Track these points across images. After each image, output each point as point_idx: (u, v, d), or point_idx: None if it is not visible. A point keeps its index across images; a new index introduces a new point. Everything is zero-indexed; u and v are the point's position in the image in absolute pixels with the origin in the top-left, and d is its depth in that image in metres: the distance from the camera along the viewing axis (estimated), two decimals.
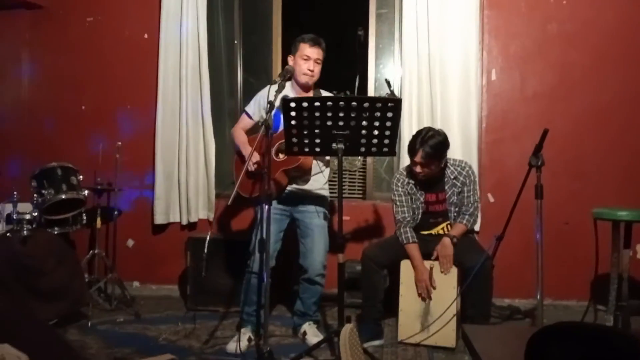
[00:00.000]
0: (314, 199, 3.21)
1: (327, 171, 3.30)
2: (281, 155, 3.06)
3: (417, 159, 3.11)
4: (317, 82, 3.26)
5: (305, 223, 3.20)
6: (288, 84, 3.17)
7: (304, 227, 3.21)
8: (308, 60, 3.13)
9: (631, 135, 3.95)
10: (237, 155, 3.31)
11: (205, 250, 3.61)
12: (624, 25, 3.96)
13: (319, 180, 3.24)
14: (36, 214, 3.45)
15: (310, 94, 3.23)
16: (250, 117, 3.31)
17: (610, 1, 3.99)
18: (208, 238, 3.44)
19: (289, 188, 3.17)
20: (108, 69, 4.48)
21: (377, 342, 3.17)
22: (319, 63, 3.17)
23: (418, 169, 3.14)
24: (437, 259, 3.13)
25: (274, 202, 3.12)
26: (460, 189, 3.24)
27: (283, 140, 2.92)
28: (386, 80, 3.08)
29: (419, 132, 3.17)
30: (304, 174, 3.16)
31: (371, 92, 4.26)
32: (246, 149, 3.19)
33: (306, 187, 3.19)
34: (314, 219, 3.19)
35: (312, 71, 3.13)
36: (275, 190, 3.06)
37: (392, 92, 2.89)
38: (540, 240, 2.85)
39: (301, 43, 3.16)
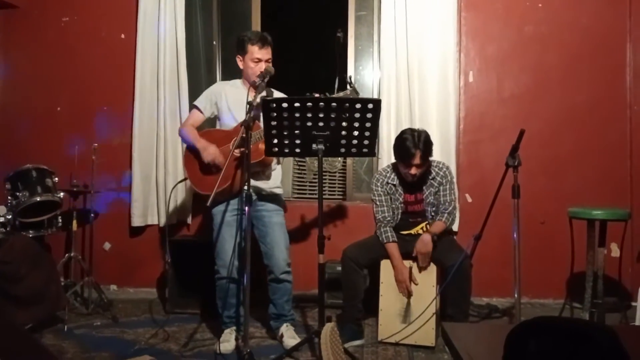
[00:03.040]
0: (271, 197, 3.22)
1: (279, 169, 3.31)
2: (237, 152, 2.98)
3: (416, 161, 3.10)
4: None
5: (263, 222, 3.19)
6: (239, 82, 3.14)
7: (262, 227, 3.19)
8: (259, 62, 3.10)
9: (605, 135, 4.03)
10: (188, 151, 3.24)
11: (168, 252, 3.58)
12: (598, 27, 4.05)
13: (275, 178, 3.25)
14: (10, 216, 3.39)
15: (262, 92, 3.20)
16: (201, 112, 3.26)
17: (584, 4, 4.07)
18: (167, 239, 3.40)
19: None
20: (84, 70, 4.41)
21: (357, 342, 3.17)
22: (270, 62, 3.14)
23: (413, 170, 3.14)
24: (416, 257, 3.15)
25: (232, 203, 3.12)
26: (437, 189, 3.27)
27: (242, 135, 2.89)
28: (349, 77, 3.10)
29: (404, 137, 3.14)
30: (264, 169, 3.16)
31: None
32: (199, 143, 3.13)
33: (263, 185, 3.19)
34: (274, 217, 3.20)
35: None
36: (236, 188, 3.05)
37: (354, 88, 2.90)
38: (517, 240, 2.89)
39: (249, 45, 3.12)
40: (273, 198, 3.23)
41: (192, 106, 3.35)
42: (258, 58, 3.10)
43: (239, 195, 3.11)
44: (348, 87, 2.97)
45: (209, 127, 3.47)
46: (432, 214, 3.29)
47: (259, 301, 3.73)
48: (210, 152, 3.08)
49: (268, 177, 3.20)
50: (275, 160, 3.22)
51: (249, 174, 2.73)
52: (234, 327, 3.15)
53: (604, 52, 4.05)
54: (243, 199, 2.72)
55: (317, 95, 2.84)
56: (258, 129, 2.97)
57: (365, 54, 4.44)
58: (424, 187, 3.28)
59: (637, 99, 4.01)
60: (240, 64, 3.18)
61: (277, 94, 3.23)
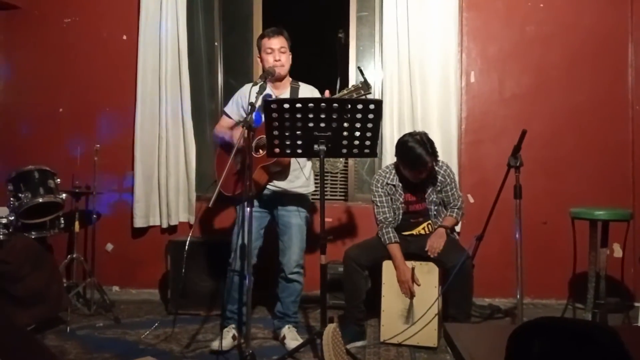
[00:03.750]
0: (294, 198, 3.21)
1: (308, 167, 3.28)
2: (260, 151, 3.03)
3: (429, 165, 3.12)
4: (296, 75, 3.27)
5: (283, 221, 3.20)
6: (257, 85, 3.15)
7: (282, 226, 3.21)
8: (272, 52, 3.12)
9: (607, 135, 4.03)
10: (220, 148, 3.29)
11: (185, 254, 3.59)
12: (599, 27, 4.04)
13: (299, 178, 3.23)
14: (12, 218, 3.39)
15: (287, 84, 3.22)
16: (229, 116, 3.30)
17: (586, 4, 4.06)
18: (188, 240, 3.40)
19: (269, 187, 3.16)
20: (86, 71, 4.42)
21: (359, 343, 3.17)
22: (284, 51, 3.15)
23: (424, 175, 3.16)
24: (426, 253, 3.14)
25: (255, 203, 3.12)
26: (439, 188, 3.27)
27: (262, 136, 2.91)
28: (359, 68, 3.08)
29: (410, 146, 3.09)
30: (284, 170, 3.15)
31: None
32: (231, 132, 3.19)
33: (286, 186, 3.18)
34: (292, 218, 3.19)
35: (278, 60, 3.11)
36: (255, 188, 3.04)
37: (365, 80, 2.89)
38: (519, 240, 2.88)
39: (262, 39, 3.17)
40: (296, 198, 3.21)
41: (222, 112, 3.40)
42: (270, 48, 3.12)
43: (262, 195, 3.14)
44: (361, 76, 2.97)
45: None
46: (435, 212, 3.29)
47: (263, 301, 3.74)
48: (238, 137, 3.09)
49: (286, 177, 3.17)
50: (300, 159, 3.18)
51: (250, 174, 2.73)
52: (233, 325, 3.16)
53: (605, 53, 4.04)
54: (245, 202, 2.72)
55: (328, 93, 2.85)
56: None
57: (367, 54, 4.44)
58: (426, 187, 3.28)
59: (639, 99, 4.01)
60: (261, 63, 3.20)
61: (305, 87, 3.23)
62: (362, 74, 2.95)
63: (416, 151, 3.08)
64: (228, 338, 3.07)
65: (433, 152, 3.12)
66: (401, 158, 3.20)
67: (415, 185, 3.27)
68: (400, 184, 3.29)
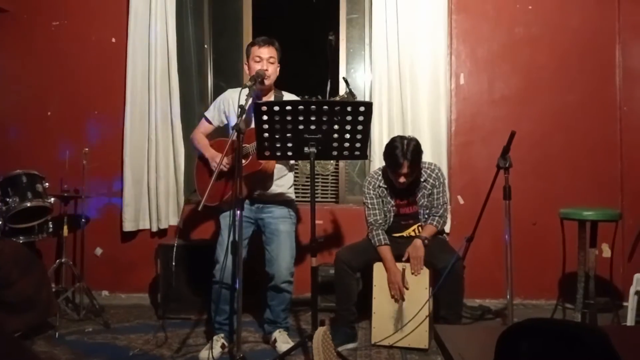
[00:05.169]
0: (280, 204, 3.19)
1: (291, 175, 3.28)
2: (242, 160, 3.00)
3: (404, 170, 3.08)
4: (282, 85, 3.25)
5: (270, 229, 3.15)
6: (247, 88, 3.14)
7: (269, 234, 3.16)
8: (260, 61, 3.09)
9: (596, 136, 4.06)
10: (199, 160, 3.27)
11: (174, 262, 3.57)
12: (587, 29, 4.08)
13: (284, 185, 3.21)
14: (0, 222, 3.36)
15: (271, 93, 3.21)
16: (209, 122, 3.28)
17: (574, 5, 4.10)
18: (175, 244, 3.40)
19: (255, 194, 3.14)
20: (75, 74, 4.39)
21: (351, 346, 3.17)
22: (273, 62, 3.12)
23: (402, 179, 3.13)
24: (408, 260, 3.15)
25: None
26: (430, 191, 3.28)
27: (245, 145, 2.89)
28: (344, 78, 3.10)
29: (394, 146, 3.11)
30: (266, 180, 3.12)
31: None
32: (208, 152, 3.17)
33: (270, 192, 3.16)
34: (280, 224, 3.15)
35: (266, 70, 3.08)
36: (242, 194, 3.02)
37: (350, 90, 2.90)
38: (509, 241, 2.89)
39: (252, 47, 3.14)
40: (282, 205, 3.19)
41: (202, 116, 3.36)
42: (259, 56, 3.09)
43: (246, 202, 3.09)
44: (345, 87, 2.97)
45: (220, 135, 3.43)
46: (426, 215, 3.29)
47: (253, 305, 3.73)
48: (217, 161, 3.05)
49: (268, 187, 3.14)
50: (284, 166, 3.18)
51: (241, 177, 2.71)
52: (222, 335, 3.13)
53: (593, 54, 4.07)
54: (235, 207, 2.71)
55: (318, 98, 2.85)
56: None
57: (357, 56, 4.45)
58: (416, 190, 3.28)
59: (627, 100, 4.04)
60: (247, 70, 3.17)
61: (288, 96, 3.22)
62: (347, 84, 2.97)
63: (395, 152, 3.08)
64: (217, 347, 3.04)
65: (412, 160, 3.07)
66: (384, 155, 3.21)
67: (406, 188, 3.27)
68: (392, 187, 3.29)
